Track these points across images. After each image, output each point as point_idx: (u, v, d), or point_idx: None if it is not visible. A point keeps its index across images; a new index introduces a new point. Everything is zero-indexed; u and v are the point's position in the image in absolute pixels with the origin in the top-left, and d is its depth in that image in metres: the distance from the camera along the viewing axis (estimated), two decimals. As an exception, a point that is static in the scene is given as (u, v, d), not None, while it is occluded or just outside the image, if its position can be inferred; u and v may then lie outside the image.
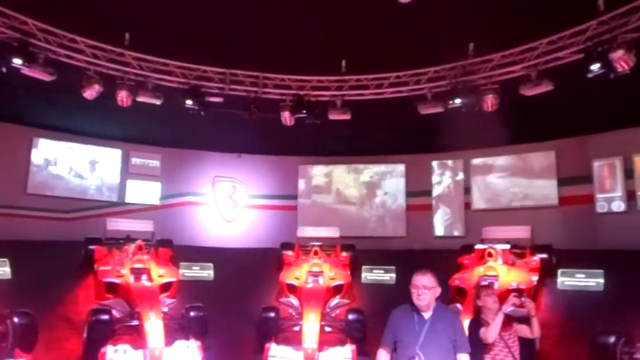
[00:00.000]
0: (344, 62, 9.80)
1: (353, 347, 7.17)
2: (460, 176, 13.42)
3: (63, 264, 9.57)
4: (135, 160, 13.64)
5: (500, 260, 8.67)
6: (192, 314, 7.55)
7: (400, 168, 14.00)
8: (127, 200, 13.41)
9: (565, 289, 8.98)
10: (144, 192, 13.66)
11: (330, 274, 9.01)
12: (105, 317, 7.11)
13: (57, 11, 8.18)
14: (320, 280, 8.70)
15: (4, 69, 8.14)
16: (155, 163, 13.82)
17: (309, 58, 9.48)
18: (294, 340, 7.47)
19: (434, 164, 13.69)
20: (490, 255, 8.76)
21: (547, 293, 9.03)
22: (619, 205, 11.18)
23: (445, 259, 9.91)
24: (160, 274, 8.54)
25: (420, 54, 9.22)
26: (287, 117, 10.20)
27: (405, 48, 8.98)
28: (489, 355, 4.45)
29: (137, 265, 8.25)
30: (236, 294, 9.37)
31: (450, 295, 8.41)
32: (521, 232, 10.09)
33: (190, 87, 9.74)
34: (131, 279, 7.98)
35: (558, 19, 8.04)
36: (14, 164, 11.99)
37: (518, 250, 9.50)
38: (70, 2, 8.03)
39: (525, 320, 4.72)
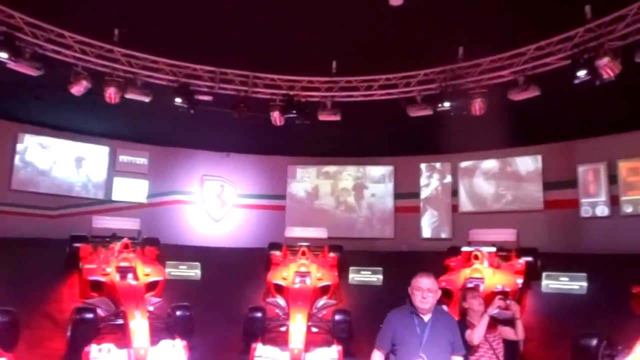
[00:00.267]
0: (334, 63, 9.83)
1: (339, 347, 7.17)
2: (448, 179, 13.52)
3: (47, 261, 9.45)
4: (122, 158, 13.53)
5: (486, 263, 8.75)
6: (178, 313, 7.50)
7: (389, 170, 14.06)
8: (113, 198, 13.29)
9: (550, 292, 9.09)
10: (131, 190, 13.55)
11: (318, 275, 9.01)
12: (90, 315, 7.03)
13: (45, 5, 8.09)
14: (308, 280, 8.70)
15: (-11, 63, 8.03)
16: (143, 161, 13.71)
17: (299, 58, 9.49)
18: (281, 340, 7.46)
19: (422, 166, 13.78)
20: (476, 257, 8.83)
21: (532, 296, 9.14)
22: (602, 210, 11.36)
23: (432, 261, 9.97)
24: (146, 273, 8.47)
25: (410, 56, 9.28)
26: (276, 117, 10.19)
27: (395, 50, 9.04)
28: (474, 357, 4.49)
29: (123, 264, 8.16)
30: (223, 294, 9.33)
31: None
32: (507, 235, 10.19)
33: (180, 85, 9.69)
34: (117, 277, 7.90)
35: (546, 25, 8.15)
36: (-2, 159, 11.83)
37: (504, 253, 9.60)
38: (58, -4, 7.96)
39: (510, 322, 4.77)
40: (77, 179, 13.04)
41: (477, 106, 9.30)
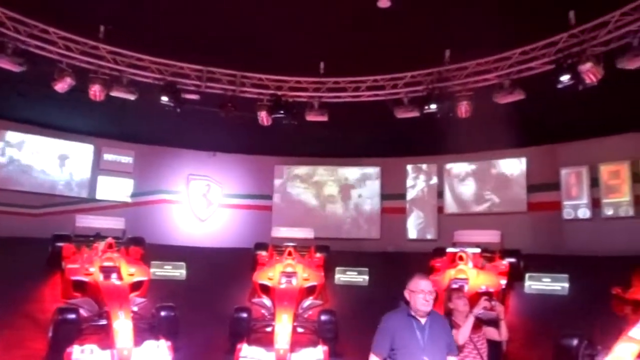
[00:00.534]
0: (322, 64, 9.85)
1: (325, 348, 7.18)
2: (434, 180, 13.63)
3: (29, 261, 9.30)
4: (107, 156, 13.36)
5: (470, 264, 8.84)
6: (162, 313, 7.43)
7: (376, 171, 14.12)
8: (98, 196, 13.13)
9: (532, 292, 9.23)
10: (116, 189, 13.39)
11: (304, 275, 9.01)
12: (72, 316, 6.93)
13: (29, 0, 7.95)
14: (294, 281, 8.70)
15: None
16: (128, 159, 13.57)
17: (287, 58, 9.50)
18: (266, 340, 7.45)
19: (409, 167, 13.86)
20: (461, 258, 8.93)
21: (515, 296, 9.27)
22: (584, 213, 11.56)
23: (417, 262, 10.04)
24: (130, 273, 8.38)
25: (397, 58, 9.35)
26: (264, 117, 10.17)
27: (383, 52, 9.09)
28: (458, 357, 4.53)
29: (107, 264, 8.06)
30: (208, 294, 9.28)
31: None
32: (491, 236, 10.32)
33: (166, 84, 9.61)
34: (100, 277, 7.80)
35: (531, 30, 8.28)
36: (-22, 157, 11.62)
37: (488, 254, 9.71)
38: (43, -9, 7.85)
39: (494, 323, 4.83)
40: (61, 177, 12.85)
41: (463, 109, 9.40)
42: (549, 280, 9.21)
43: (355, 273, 10.53)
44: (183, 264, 10.22)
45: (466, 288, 7.83)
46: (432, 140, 11.96)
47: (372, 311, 8.20)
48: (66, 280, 8.39)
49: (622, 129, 10.66)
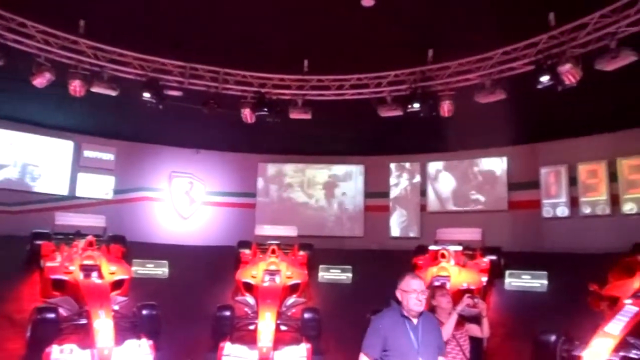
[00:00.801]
0: (306, 62, 9.84)
1: (308, 345, 7.19)
2: (417, 179, 13.74)
3: (7, 259, 9.12)
4: (88, 153, 13.15)
5: (452, 261, 8.95)
6: (144, 312, 7.35)
7: (359, 169, 14.17)
8: (77, 194, 12.92)
9: (512, 289, 9.40)
10: (97, 186, 13.19)
11: (287, 273, 9.00)
12: (51, 315, 6.81)
13: (6, -7, 7.79)
14: (277, 279, 8.68)
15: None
16: (109, 156, 13.38)
17: (271, 56, 9.47)
18: (249, 339, 7.42)
19: (392, 166, 13.95)
20: (443, 256, 9.02)
21: (495, 293, 9.41)
22: (563, 211, 11.79)
23: (400, 260, 10.13)
24: (111, 271, 8.26)
25: (381, 57, 9.39)
26: (247, 115, 10.13)
27: (366, 51, 9.13)
28: (440, 354, 4.59)
29: (87, 262, 7.93)
30: (191, 293, 9.22)
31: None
32: (473, 234, 10.46)
33: (148, 80, 9.50)
34: (80, 275, 7.67)
35: (513, 31, 8.39)
36: (-47, 153, 11.33)
37: (469, 252, 9.85)
38: (21, -16, 7.68)
39: (476, 320, 4.90)
40: (40, 173, 12.60)
41: (446, 108, 9.50)
42: (528, 277, 9.40)
43: (339, 271, 10.59)
44: (165, 262, 10.15)
45: (448, 285, 7.91)
46: (416, 139, 12.08)
47: (355, 309, 8.30)
48: (45, 279, 8.24)
49: (600, 129, 10.89)
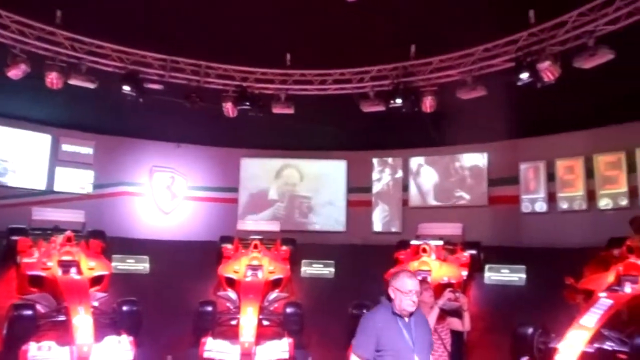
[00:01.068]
0: (288, 56, 9.80)
1: (290, 340, 7.22)
2: (399, 174, 13.82)
3: (-19, 255, 8.92)
4: (66, 147, 12.88)
5: (433, 256, 9.06)
6: (124, 308, 7.31)
7: (342, 164, 14.19)
8: (55, 188, 12.66)
9: (492, 283, 9.57)
10: (75, 181, 12.95)
11: (270, 268, 9.01)
12: (28, 312, 6.72)
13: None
14: (260, 274, 8.68)
15: None
16: (88, 150, 13.12)
17: (253, 49, 9.40)
18: (231, 334, 7.42)
19: (375, 161, 14.01)
20: (424, 250, 9.13)
21: (475, 287, 9.57)
22: (541, 206, 12.00)
23: (382, 254, 10.21)
24: (90, 267, 8.18)
25: (364, 52, 9.41)
26: (229, 109, 10.06)
27: (349, 46, 9.13)
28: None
29: (65, 258, 7.85)
30: (173, 288, 9.16)
31: (385, 289, 8.67)
32: (453, 229, 10.59)
33: (128, 72, 9.35)
34: (59, 271, 7.59)
35: (494, 28, 8.49)
36: None
37: (450, 247, 9.98)
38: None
39: (457, 313, 4.97)
40: (16, 168, 12.31)
41: (428, 103, 9.57)
42: (507, 271, 9.57)
43: (321, 265, 10.62)
44: (146, 257, 10.06)
45: (429, 279, 8.01)
46: (398, 134, 12.13)
47: (337, 303, 8.35)
48: (22, 275, 8.10)
49: (577, 126, 11.10)
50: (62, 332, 6.73)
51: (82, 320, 6.50)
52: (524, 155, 12.33)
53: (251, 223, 11.73)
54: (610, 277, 6.97)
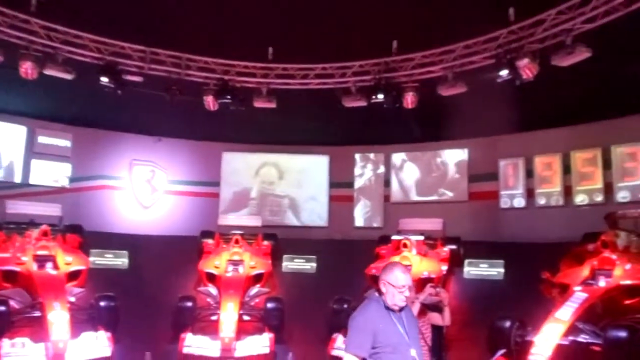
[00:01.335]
0: (270, 50, 9.73)
1: (271, 335, 7.22)
2: (382, 169, 13.88)
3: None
4: (42, 139, 12.58)
5: (414, 251, 9.12)
6: (102, 303, 7.19)
7: (324, 159, 14.19)
8: (31, 181, 12.37)
9: (471, 277, 9.71)
10: (52, 174, 12.67)
11: (251, 263, 8.96)
12: (1, 308, 6.57)
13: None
14: (241, 269, 8.63)
15: None
16: (65, 143, 12.85)
17: (235, 42, 9.31)
18: (211, 329, 7.37)
19: (357, 156, 14.03)
20: (405, 245, 9.18)
21: (455, 281, 9.69)
22: (519, 202, 12.19)
23: (363, 249, 10.25)
24: (67, 262, 8.02)
25: (346, 47, 9.39)
26: (210, 102, 9.95)
27: (332, 40, 9.10)
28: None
29: (41, 252, 7.68)
30: (152, 283, 9.06)
31: (366, 284, 8.73)
32: (434, 224, 10.68)
33: (106, 64, 9.17)
34: (34, 266, 7.43)
35: (474, 25, 8.56)
36: None
37: (431, 242, 10.07)
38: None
39: (437, 308, 5.02)
40: (-11, 160, 12.00)
41: (409, 99, 9.62)
42: (486, 265, 9.72)
43: (303, 260, 10.63)
44: (125, 252, 9.95)
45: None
46: (381, 130, 12.17)
47: (319, 298, 8.35)
48: (-5, 271, 7.90)
49: (555, 123, 11.29)
50: (37, 328, 6.60)
51: (58, 316, 6.38)
52: (504, 152, 12.50)
53: (232, 218, 11.65)
54: (585, 272, 7.12)
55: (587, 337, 6.13)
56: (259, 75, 10.19)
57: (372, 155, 14.01)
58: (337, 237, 13.02)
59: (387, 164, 13.83)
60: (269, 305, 7.88)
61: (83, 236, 9.85)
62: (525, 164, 12.18)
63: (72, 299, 7.54)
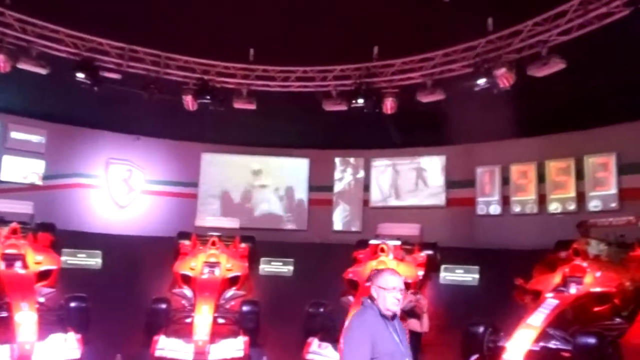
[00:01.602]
0: (252, 51, 9.69)
1: (246, 338, 7.15)
2: (361, 174, 13.93)
3: None
4: (15, 135, 12.27)
5: (391, 256, 9.14)
6: (72, 304, 7.04)
7: (304, 162, 14.17)
8: (2, 178, 12.03)
9: (446, 283, 9.81)
10: (24, 170, 12.35)
11: (227, 265, 8.87)
12: (-34, 308, 6.36)
13: None
14: (217, 271, 8.54)
15: None
16: (39, 139, 12.55)
17: (216, 42, 9.24)
18: (185, 332, 7.27)
19: (337, 160, 14.06)
20: (382, 250, 9.20)
21: (431, 287, 9.76)
22: (495, 209, 12.38)
23: (341, 253, 10.25)
24: (37, 261, 7.82)
25: (327, 51, 9.42)
26: (189, 102, 9.86)
27: (314, 44, 9.11)
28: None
29: (9, 251, 7.47)
30: (126, 284, 8.90)
31: (343, 288, 8.73)
32: (412, 229, 10.75)
33: (83, 60, 8.99)
34: (1, 265, 7.22)
35: (454, 34, 8.68)
36: None
37: (408, 247, 10.11)
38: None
39: (416, 314, 5.04)
40: (-42, 155, 11.64)
41: (389, 105, 9.69)
42: (461, 271, 9.83)
43: (280, 264, 10.58)
44: (99, 252, 9.76)
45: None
46: (361, 135, 12.22)
47: (295, 302, 8.30)
48: (-40, 270, 7.63)
49: (531, 132, 11.51)
50: (3, 329, 6.41)
51: (25, 317, 6.21)
52: (481, 160, 12.68)
53: (210, 219, 11.51)
54: (557, 279, 7.25)
55: (557, 343, 6.25)
56: (240, 76, 10.14)
57: (352, 160, 14.06)
58: (316, 241, 13.01)
59: (367, 168, 13.88)
60: (245, 308, 7.82)
61: (55, 235, 9.63)
62: (501, 171, 12.38)
63: (42, 300, 7.35)
